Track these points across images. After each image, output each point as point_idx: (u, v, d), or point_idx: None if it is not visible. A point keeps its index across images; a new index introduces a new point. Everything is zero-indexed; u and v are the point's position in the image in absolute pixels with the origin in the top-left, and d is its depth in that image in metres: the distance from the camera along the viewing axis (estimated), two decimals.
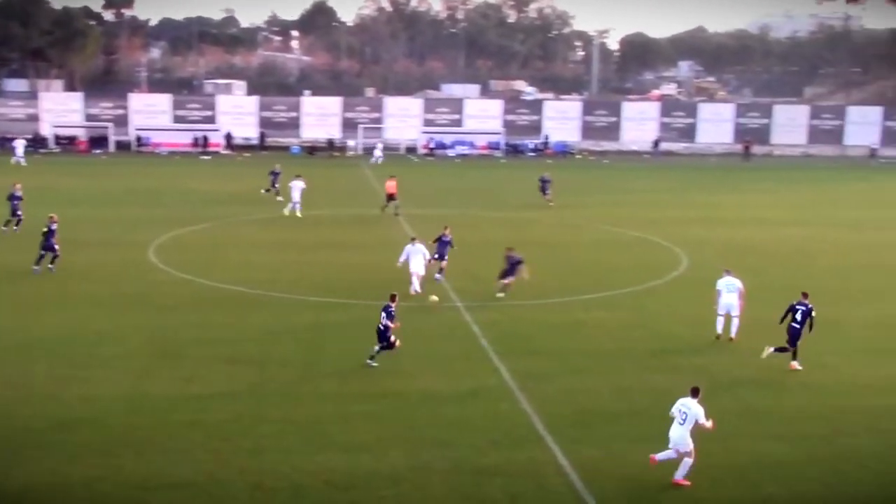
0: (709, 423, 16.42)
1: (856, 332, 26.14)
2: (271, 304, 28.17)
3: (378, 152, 69.48)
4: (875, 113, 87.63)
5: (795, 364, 22.82)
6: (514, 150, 79.24)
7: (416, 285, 28.89)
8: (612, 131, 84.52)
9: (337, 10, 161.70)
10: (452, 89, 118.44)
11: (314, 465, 16.90)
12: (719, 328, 25.07)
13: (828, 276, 33.11)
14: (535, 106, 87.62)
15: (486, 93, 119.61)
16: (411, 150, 73.86)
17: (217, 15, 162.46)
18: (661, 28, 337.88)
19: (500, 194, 53.85)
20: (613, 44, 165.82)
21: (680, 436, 16.35)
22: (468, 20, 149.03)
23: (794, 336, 22.69)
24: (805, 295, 22.94)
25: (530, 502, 15.83)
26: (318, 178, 58.71)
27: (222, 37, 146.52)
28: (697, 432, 16.36)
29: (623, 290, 30.48)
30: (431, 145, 78.11)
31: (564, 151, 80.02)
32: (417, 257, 29.13)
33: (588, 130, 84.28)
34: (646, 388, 21.40)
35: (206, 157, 71.76)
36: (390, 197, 43.55)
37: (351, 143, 77.66)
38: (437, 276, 30.60)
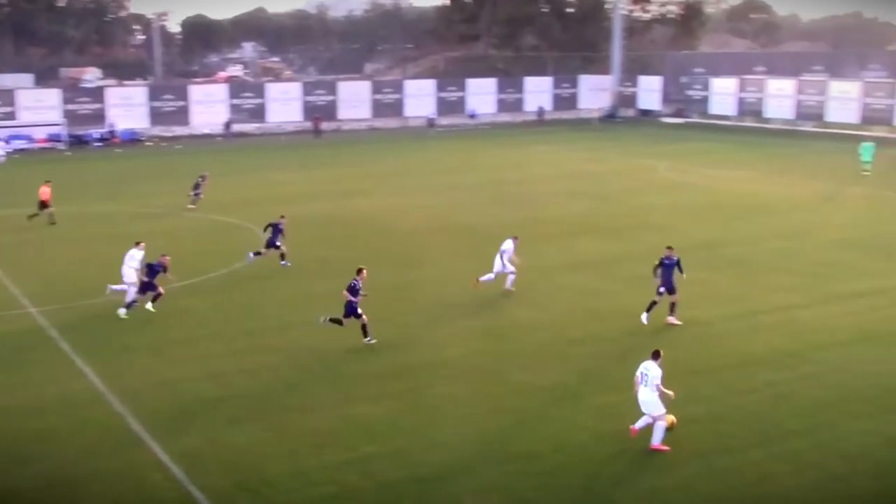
0: (670, 391, 16.89)
1: (427, 290, 28.17)
2: None
3: (2, 151, 63.06)
4: (429, 85, 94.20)
5: (672, 319, 24.33)
6: (79, 141, 74.87)
7: (128, 293, 25.90)
8: (182, 115, 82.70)
9: None
10: (3, 80, 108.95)
11: None
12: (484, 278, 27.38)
13: (399, 241, 35.28)
14: (97, 93, 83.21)
15: (47, 82, 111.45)
16: None
17: None
18: (221, 10, 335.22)
19: (69, 188, 50.78)
20: (174, 26, 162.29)
21: (648, 399, 16.73)
22: (12, 5, 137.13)
23: (667, 289, 24.19)
24: (670, 248, 24.57)
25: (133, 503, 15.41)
26: None
27: None
28: None
29: (209, 276, 30.25)
30: None
31: (134, 139, 77.11)
32: (130, 264, 25.93)
33: (156, 116, 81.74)
34: (240, 369, 21.63)
35: None
36: (43, 204, 39.37)
37: None
38: (283, 262, 30.96)
